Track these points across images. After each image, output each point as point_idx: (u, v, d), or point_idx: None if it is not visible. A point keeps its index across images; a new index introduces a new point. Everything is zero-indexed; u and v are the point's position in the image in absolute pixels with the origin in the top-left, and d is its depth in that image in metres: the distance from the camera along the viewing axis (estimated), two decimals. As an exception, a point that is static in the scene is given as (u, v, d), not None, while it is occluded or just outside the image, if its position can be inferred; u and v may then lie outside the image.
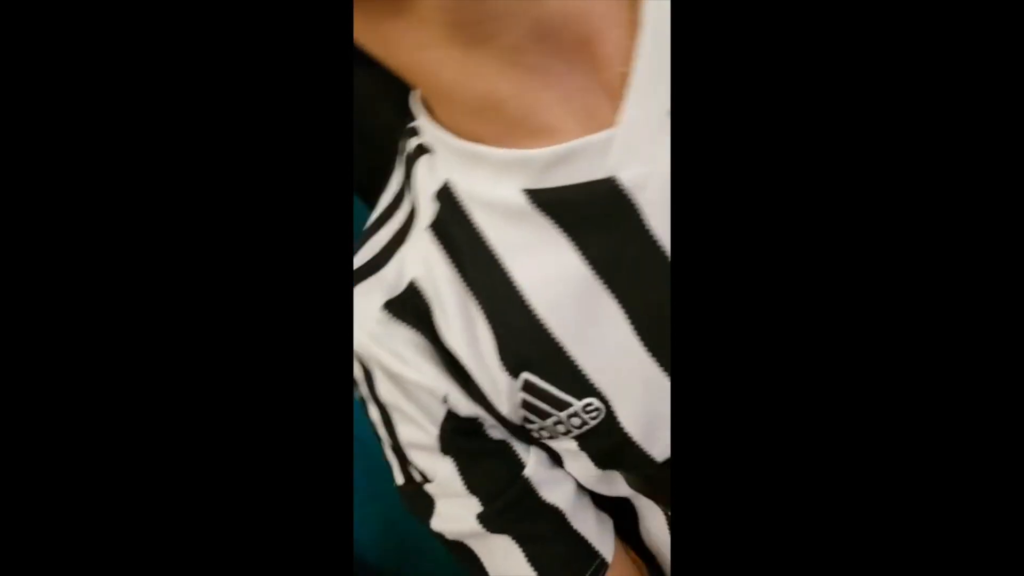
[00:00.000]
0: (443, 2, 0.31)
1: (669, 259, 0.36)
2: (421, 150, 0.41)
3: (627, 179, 0.35)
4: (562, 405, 0.39)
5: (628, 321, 0.37)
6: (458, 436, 0.42)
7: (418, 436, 0.42)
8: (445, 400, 0.41)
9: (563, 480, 0.45)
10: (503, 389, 0.40)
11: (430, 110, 0.39)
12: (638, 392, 0.38)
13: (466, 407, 0.41)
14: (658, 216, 0.35)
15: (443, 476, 0.43)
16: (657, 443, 0.40)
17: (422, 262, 0.40)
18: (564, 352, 0.38)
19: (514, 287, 0.38)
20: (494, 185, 0.37)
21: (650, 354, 0.37)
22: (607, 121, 0.35)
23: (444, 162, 0.39)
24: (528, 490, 0.43)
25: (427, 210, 0.40)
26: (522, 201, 0.36)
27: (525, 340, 0.38)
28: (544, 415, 0.40)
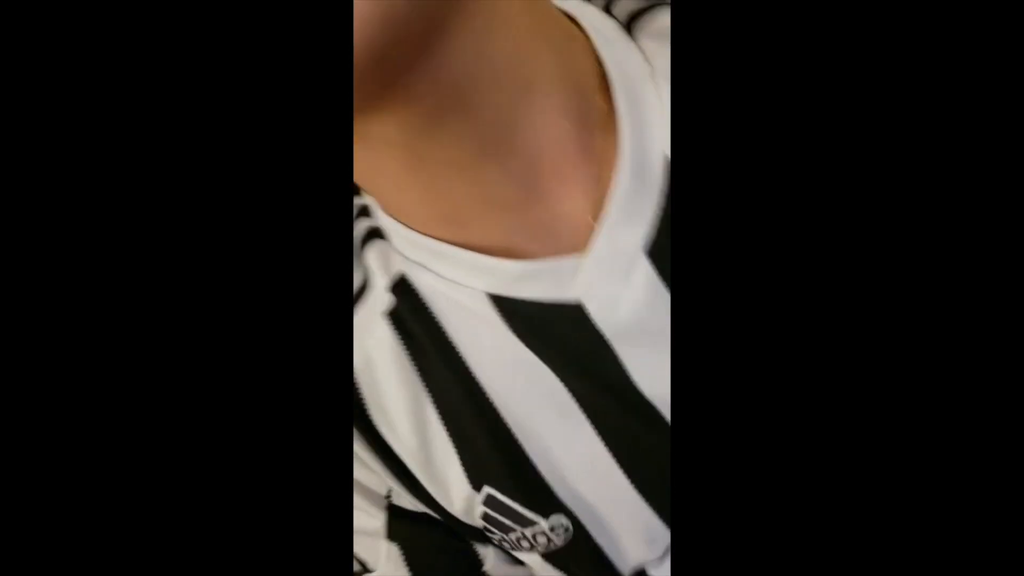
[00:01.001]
0: (401, 137, 0.30)
1: (636, 387, 0.35)
2: (373, 234, 0.38)
3: (592, 308, 0.35)
4: (527, 523, 0.37)
5: (598, 435, 0.36)
6: (407, 522, 0.39)
7: (360, 520, 0.39)
8: (388, 495, 0.38)
9: (525, 573, 0.41)
10: (459, 500, 0.37)
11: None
12: (609, 508, 0.37)
13: (411, 504, 0.38)
14: (623, 345, 0.35)
15: (386, 566, 0.39)
16: (625, 557, 0.38)
17: (359, 350, 0.37)
18: (533, 467, 0.36)
19: (483, 392, 0.36)
20: (456, 284, 0.36)
21: (620, 468, 0.36)
22: (575, 242, 0.35)
23: (399, 254, 0.37)
24: None
25: (381, 299, 0.37)
26: (487, 306, 0.35)
27: (493, 451, 0.36)
28: (507, 530, 0.37)
